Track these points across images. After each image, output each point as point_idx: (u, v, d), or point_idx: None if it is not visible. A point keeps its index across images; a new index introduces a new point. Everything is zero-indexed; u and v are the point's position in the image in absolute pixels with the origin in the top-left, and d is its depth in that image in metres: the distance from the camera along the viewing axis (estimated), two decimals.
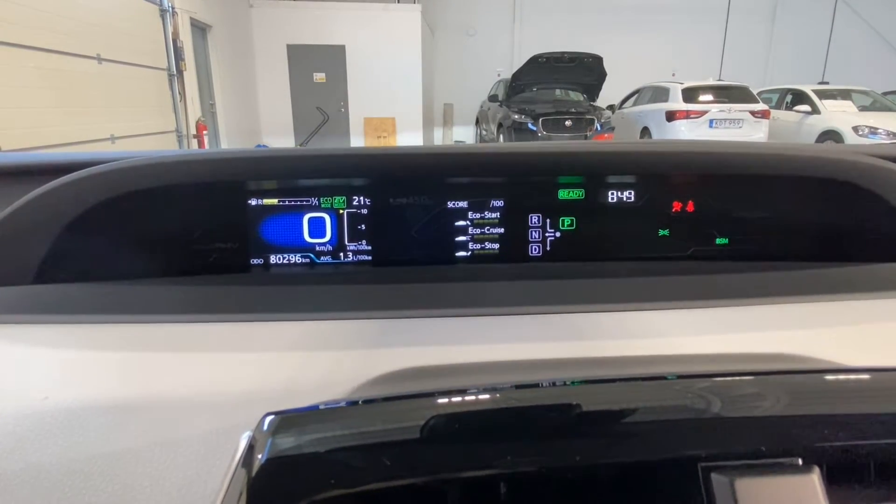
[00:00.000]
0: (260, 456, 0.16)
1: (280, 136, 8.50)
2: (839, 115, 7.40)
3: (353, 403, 0.19)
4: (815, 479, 0.15)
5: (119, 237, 0.41)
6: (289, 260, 0.48)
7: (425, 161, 0.44)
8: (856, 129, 7.08)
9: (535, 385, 0.23)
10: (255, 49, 8.50)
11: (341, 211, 0.48)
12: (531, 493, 0.18)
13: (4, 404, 0.28)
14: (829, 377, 0.19)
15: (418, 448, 0.19)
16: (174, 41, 6.32)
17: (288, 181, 0.46)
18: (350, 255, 0.49)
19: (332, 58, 8.68)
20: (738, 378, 0.19)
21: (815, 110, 7.73)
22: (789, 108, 8.20)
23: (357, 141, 8.82)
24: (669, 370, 0.27)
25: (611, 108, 8.56)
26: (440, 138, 10.69)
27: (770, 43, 11.07)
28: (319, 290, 0.42)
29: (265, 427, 0.17)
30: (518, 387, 0.20)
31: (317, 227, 0.48)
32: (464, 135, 10.73)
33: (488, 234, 0.50)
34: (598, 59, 7.72)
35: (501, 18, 10.70)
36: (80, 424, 0.27)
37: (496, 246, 0.50)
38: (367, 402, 0.19)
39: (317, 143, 8.21)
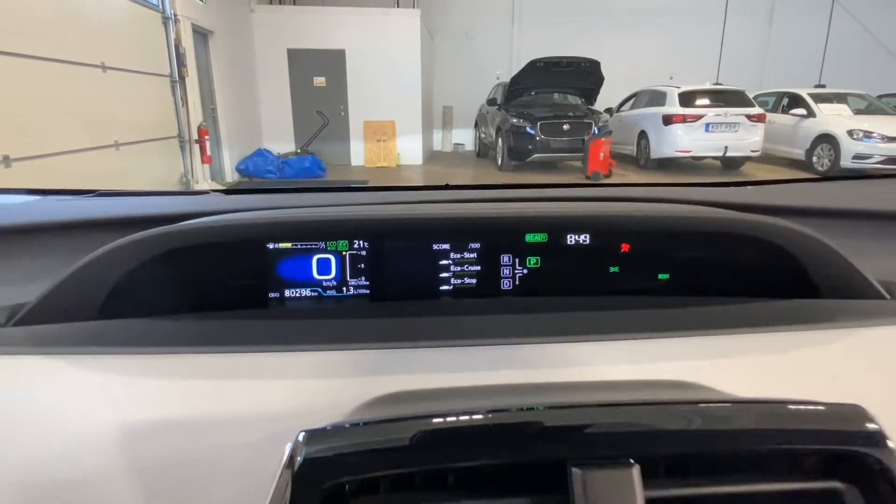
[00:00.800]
0: (299, 458, 0.26)
1: (280, 141, 8.59)
2: (834, 119, 7.50)
3: (358, 423, 0.28)
4: (635, 472, 0.25)
5: (165, 283, 0.51)
6: (300, 294, 0.58)
7: (410, 222, 0.54)
8: (850, 132, 7.18)
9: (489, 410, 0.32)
10: (255, 54, 8.59)
11: (344, 252, 0.58)
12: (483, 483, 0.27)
13: (72, 423, 0.37)
14: (683, 407, 0.27)
15: (406, 452, 0.28)
16: (176, 47, 6.41)
17: (300, 231, 0.56)
18: (351, 289, 0.59)
19: (333, 62, 8.78)
20: (607, 407, 0.28)
21: (811, 114, 7.83)
22: (785, 111, 8.30)
23: (357, 144, 8.91)
24: (594, 395, 0.37)
25: (608, 111, 8.67)
26: (440, 141, 10.80)
27: (767, 46, 11.16)
28: (326, 323, 0.52)
29: (300, 439, 0.26)
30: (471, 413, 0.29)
31: (323, 266, 0.58)
32: (463, 138, 10.83)
33: (467, 271, 0.59)
34: (595, 64, 7.82)
35: (500, 22, 10.80)
36: (134, 441, 0.36)
37: (474, 281, 0.60)
38: (370, 422, 0.28)
39: (317, 147, 8.32)
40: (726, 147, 7.41)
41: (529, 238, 0.59)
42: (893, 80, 9.53)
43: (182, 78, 6.48)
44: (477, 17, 10.66)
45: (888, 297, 0.51)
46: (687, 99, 7.58)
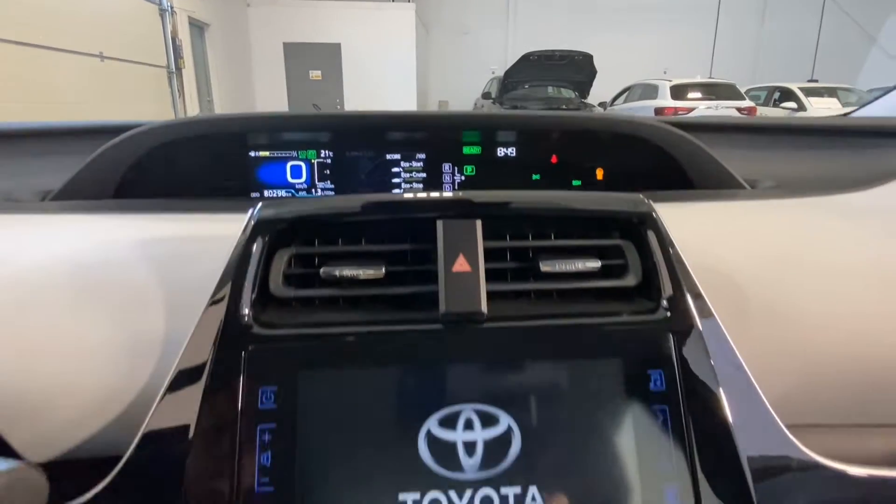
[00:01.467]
0: (254, 212, 0.38)
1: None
2: (824, 113, 7.65)
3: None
4: (478, 224, 0.37)
5: (168, 173, 0.63)
6: (276, 194, 0.71)
7: (368, 121, 0.67)
8: None
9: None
10: (252, 47, 8.68)
11: (313, 161, 0.70)
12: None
13: (95, 253, 0.47)
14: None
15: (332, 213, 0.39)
16: (173, 39, 6.51)
17: (276, 139, 0.68)
18: (319, 191, 0.71)
19: (328, 55, 8.88)
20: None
21: (802, 107, 7.96)
22: (777, 104, 8.43)
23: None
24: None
25: (602, 105, 8.80)
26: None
27: (760, 41, 11.29)
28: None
29: (256, 208, 0.39)
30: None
31: (296, 172, 0.70)
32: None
33: (415, 177, 0.72)
34: (588, 57, 7.93)
35: (495, 17, 10.91)
36: (136, 257, 0.46)
37: (420, 186, 0.72)
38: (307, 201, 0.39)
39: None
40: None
41: (466, 150, 0.71)
42: (884, 74, 9.66)
43: (179, 69, 6.57)
44: (472, 11, 10.77)
45: (749, 188, 0.64)
46: (678, 92, 7.70)
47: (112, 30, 5.27)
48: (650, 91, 8.04)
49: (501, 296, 0.38)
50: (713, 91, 7.85)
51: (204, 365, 0.34)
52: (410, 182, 0.72)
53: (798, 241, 0.49)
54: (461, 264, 0.37)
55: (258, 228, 0.38)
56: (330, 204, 0.39)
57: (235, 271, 0.36)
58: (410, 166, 0.72)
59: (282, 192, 0.71)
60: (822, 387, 0.42)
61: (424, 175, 0.72)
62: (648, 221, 0.39)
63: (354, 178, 0.72)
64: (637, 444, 0.34)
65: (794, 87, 8.26)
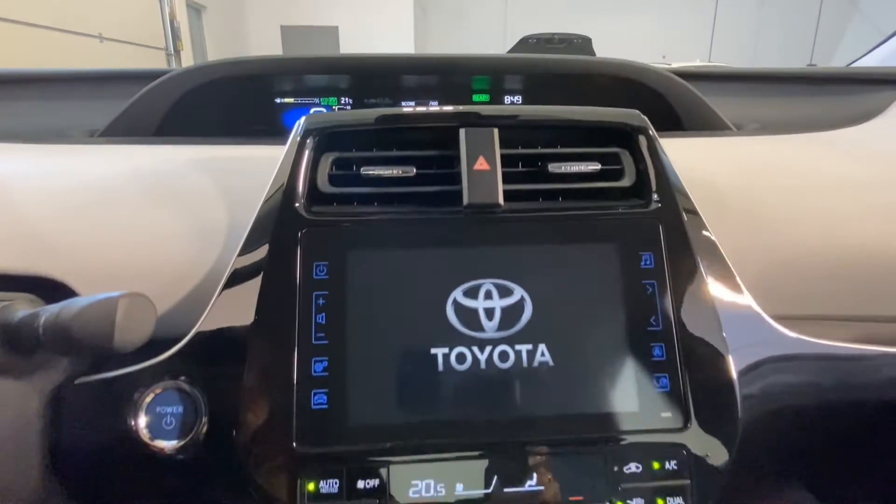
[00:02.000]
0: (303, 121, 0.44)
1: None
2: None
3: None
4: (495, 132, 0.43)
5: (200, 115, 0.69)
6: None
7: (386, 62, 0.72)
8: None
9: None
10: (248, 30, 8.63)
11: (334, 107, 0.76)
12: None
13: (160, 164, 0.53)
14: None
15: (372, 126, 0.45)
16: (171, 21, 6.47)
17: (300, 85, 0.74)
18: None
19: (326, 38, 8.84)
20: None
21: None
22: None
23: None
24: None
25: None
26: None
27: (759, 25, 11.25)
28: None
29: (306, 117, 0.45)
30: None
31: None
32: None
33: None
34: (587, 41, 7.93)
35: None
36: (194, 169, 0.52)
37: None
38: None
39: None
40: None
41: (476, 98, 0.77)
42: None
43: (177, 51, 6.55)
44: None
45: (736, 130, 0.70)
46: None
47: (111, 11, 5.25)
48: None
49: (515, 196, 0.44)
50: None
51: (266, 245, 0.41)
52: None
53: (776, 162, 0.55)
54: (481, 164, 0.43)
55: (307, 133, 0.44)
56: (369, 114, 0.45)
57: (291, 169, 0.42)
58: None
59: None
60: (788, 279, 0.48)
61: None
62: (642, 131, 0.46)
63: None
64: (629, 310, 0.41)
65: None
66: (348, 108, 0.77)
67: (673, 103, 0.71)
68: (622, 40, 10.23)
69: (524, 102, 0.78)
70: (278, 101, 0.75)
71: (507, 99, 0.78)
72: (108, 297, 0.31)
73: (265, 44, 8.61)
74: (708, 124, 0.70)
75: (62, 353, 0.35)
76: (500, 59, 0.74)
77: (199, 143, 0.57)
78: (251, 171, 0.49)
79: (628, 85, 0.72)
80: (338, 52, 8.73)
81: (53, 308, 0.33)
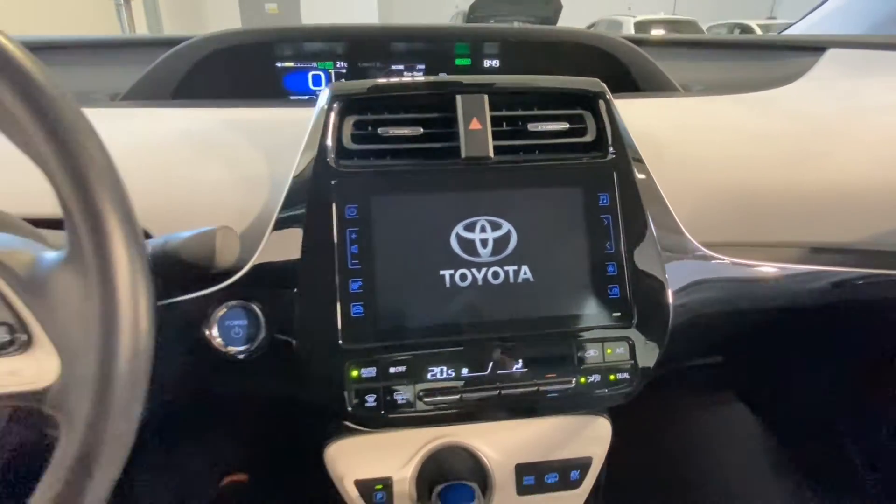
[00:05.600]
0: (330, 88, 0.54)
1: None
2: None
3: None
4: (485, 98, 0.54)
5: (210, 80, 0.76)
6: (300, 98, 0.84)
7: (379, 31, 0.80)
8: None
9: None
10: None
11: (331, 70, 0.84)
12: None
13: (197, 123, 0.61)
14: None
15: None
16: None
17: (299, 50, 0.81)
18: None
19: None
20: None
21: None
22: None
23: None
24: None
25: None
26: None
27: None
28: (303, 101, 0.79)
29: (332, 84, 0.54)
30: None
31: (316, 80, 0.84)
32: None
33: None
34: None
35: None
36: (226, 128, 0.61)
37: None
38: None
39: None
40: None
41: (458, 62, 0.86)
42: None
43: (127, 1, 6.18)
44: None
45: (682, 91, 0.82)
46: (642, 28, 7.77)
47: None
48: (614, 27, 8.07)
49: (502, 150, 0.55)
50: (676, 28, 7.95)
51: (306, 193, 0.51)
52: None
53: (707, 119, 0.68)
54: (475, 124, 0.53)
55: (333, 100, 0.53)
56: (383, 84, 0.55)
57: (322, 128, 0.52)
58: (412, 76, 0.86)
59: (304, 97, 0.85)
60: (713, 212, 0.62)
61: None
62: (601, 96, 0.57)
63: None
64: (589, 238, 0.54)
65: (753, 23, 8.45)
66: (343, 71, 0.85)
67: (631, 69, 0.82)
68: None
69: (501, 66, 0.87)
70: (279, 65, 0.82)
71: (486, 62, 0.87)
72: (208, 229, 0.41)
73: None
74: (660, 86, 0.82)
75: (166, 277, 0.45)
76: (481, 29, 0.83)
77: (226, 105, 0.65)
78: (280, 130, 0.59)
79: (592, 52, 0.82)
80: (297, 3, 8.36)
81: (158, 240, 0.42)
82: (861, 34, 0.94)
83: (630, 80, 0.83)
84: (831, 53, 0.82)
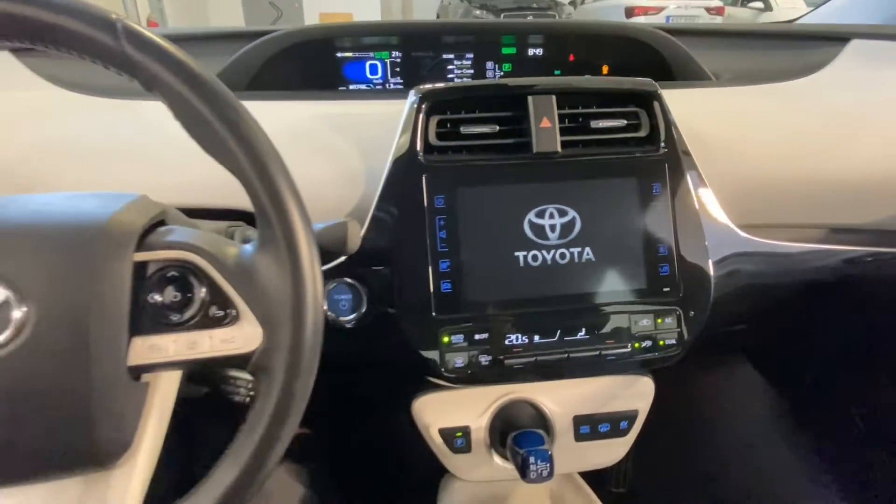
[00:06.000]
0: (417, 91, 0.60)
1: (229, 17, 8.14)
2: (789, 13, 7.73)
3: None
4: (553, 98, 0.61)
5: (280, 71, 0.82)
6: (358, 88, 0.90)
7: (430, 28, 0.86)
8: None
9: None
10: None
11: (386, 60, 0.90)
12: None
13: (295, 120, 0.68)
14: None
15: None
16: None
17: (358, 42, 0.87)
18: (391, 85, 0.91)
19: None
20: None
21: (768, 7, 8.03)
22: (744, 4, 8.47)
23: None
24: None
25: (572, 3, 8.60)
26: None
27: None
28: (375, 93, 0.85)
29: (418, 88, 0.61)
30: None
31: (373, 69, 0.90)
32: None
33: (465, 73, 0.92)
34: None
35: None
36: (324, 125, 0.67)
37: (469, 80, 0.93)
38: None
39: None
40: None
41: (504, 51, 0.92)
42: None
43: None
44: None
45: (714, 79, 0.88)
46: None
47: None
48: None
49: (567, 144, 0.62)
50: None
51: (401, 185, 0.58)
52: (462, 76, 0.93)
53: (743, 112, 0.75)
54: (545, 123, 0.61)
55: (421, 101, 0.60)
56: (464, 87, 0.62)
57: (412, 127, 0.59)
58: (461, 64, 0.92)
59: (363, 87, 0.91)
60: (750, 198, 0.69)
61: (472, 72, 0.93)
62: (655, 96, 0.64)
63: (418, 75, 0.92)
64: (643, 223, 0.61)
65: None
66: (398, 60, 0.90)
67: (667, 58, 0.88)
68: None
69: (543, 54, 0.93)
70: (339, 55, 0.88)
71: (530, 51, 0.93)
72: (340, 221, 0.49)
73: None
74: (694, 74, 0.88)
75: None
76: (524, 25, 0.89)
77: (312, 98, 0.71)
78: (369, 125, 0.66)
79: (631, 42, 0.88)
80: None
81: None
82: (882, 24, 0.99)
83: (666, 68, 0.89)
84: (854, 44, 0.88)
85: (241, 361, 0.39)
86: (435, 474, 0.77)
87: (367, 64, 0.90)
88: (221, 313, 0.38)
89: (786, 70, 0.87)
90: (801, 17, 1.26)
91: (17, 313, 0.33)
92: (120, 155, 0.62)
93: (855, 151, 0.72)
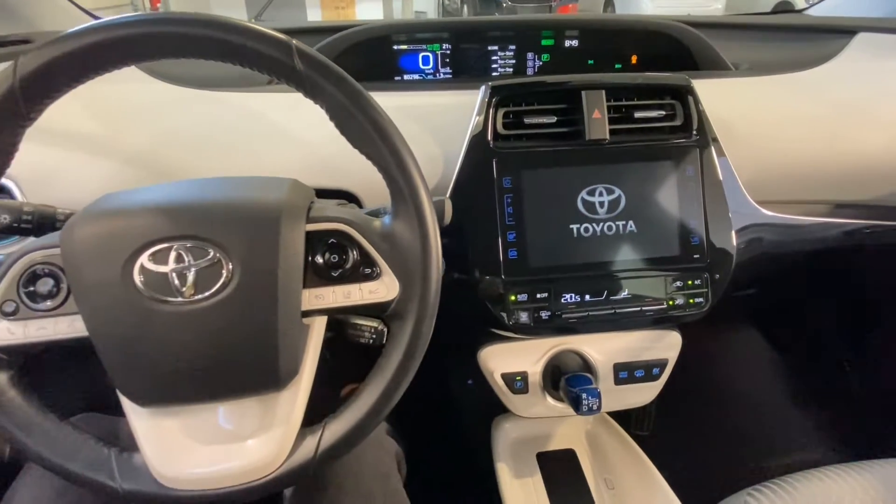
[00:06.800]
0: (487, 87, 0.70)
1: (231, 9, 8.04)
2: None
3: None
4: (602, 93, 0.71)
5: (345, 62, 0.91)
6: (412, 77, 1.00)
7: (476, 25, 0.95)
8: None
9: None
10: None
11: (437, 52, 0.99)
12: None
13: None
14: None
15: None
16: None
17: (412, 37, 0.96)
18: (441, 74, 1.01)
19: None
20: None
21: None
22: None
23: (314, 12, 8.49)
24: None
25: None
26: (399, 10, 10.35)
27: None
28: (430, 84, 0.95)
29: (488, 84, 0.71)
30: None
31: (425, 61, 0.99)
32: (424, 5, 10.37)
33: (507, 63, 1.02)
34: None
35: None
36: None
37: (511, 70, 1.02)
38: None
39: (270, 16, 7.86)
40: (689, 13, 7.56)
41: (543, 42, 1.01)
42: None
43: None
44: None
45: (734, 69, 0.97)
46: None
47: None
48: None
49: (614, 132, 0.72)
50: None
51: (474, 168, 0.69)
52: (505, 66, 1.02)
53: (761, 100, 0.85)
54: (596, 114, 0.71)
55: (492, 94, 0.70)
56: (527, 82, 0.72)
57: (484, 117, 0.69)
58: (504, 55, 1.01)
59: (415, 76, 1.00)
60: (767, 178, 0.80)
61: (514, 61, 1.02)
62: (688, 89, 0.74)
63: (465, 65, 1.01)
64: (679, 200, 0.72)
65: None
66: (448, 52, 0.99)
67: (692, 49, 0.97)
68: None
69: (579, 45, 1.02)
70: (396, 47, 0.97)
71: (567, 42, 1.02)
72: (440, 198, 0.59)
73: None
74: (715, 64, 0.98)
75: None
76: (562, 20, 0.98)
77: (383, 89, 0.81)
78: (437, 115, 0.76)
79: (659, 35, 0.97)
80: None
81: None
82: (886, 17, 1.08)
83: (690, 58, 0.99)
84: (861, 37, 0.98)
85: (377, 310, 0.50)
86: (486, 418, 0.90)
87: (420, 56, 0.99)
88: (369, 270, 0.49)
89: (797, 60, 0.96)
90: (809, 7, 1.34)
91: (225, 270, 0.44)
92: (237, 144, 0.72)
93: (859, 136, 0.82)
